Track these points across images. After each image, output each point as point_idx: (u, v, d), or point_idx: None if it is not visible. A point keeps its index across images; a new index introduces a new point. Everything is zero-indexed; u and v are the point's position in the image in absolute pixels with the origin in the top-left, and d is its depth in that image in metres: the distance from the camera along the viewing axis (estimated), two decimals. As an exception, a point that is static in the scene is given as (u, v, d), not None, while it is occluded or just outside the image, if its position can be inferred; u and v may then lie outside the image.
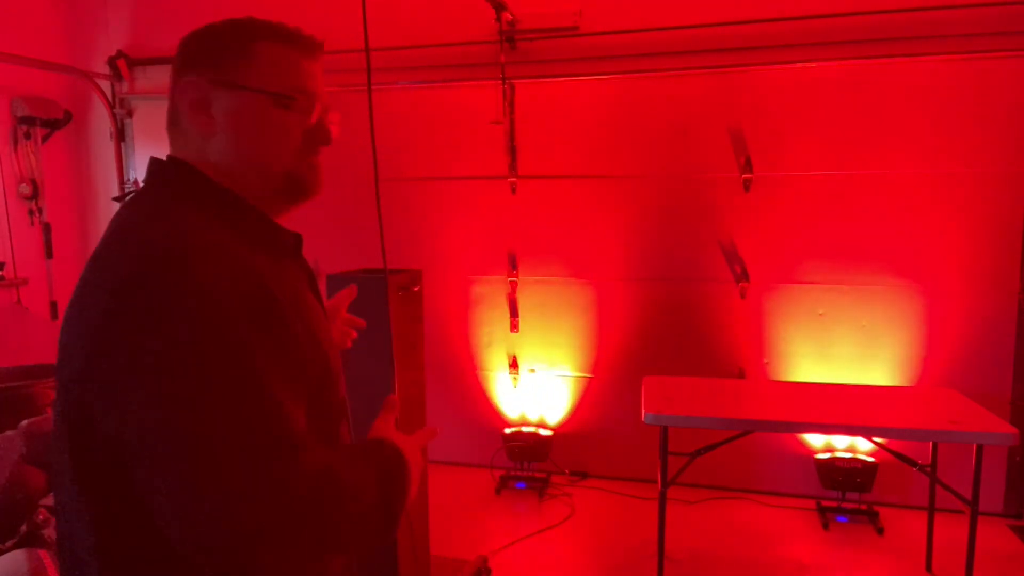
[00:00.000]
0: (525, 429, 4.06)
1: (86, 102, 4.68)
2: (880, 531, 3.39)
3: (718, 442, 2.85)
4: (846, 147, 3.60)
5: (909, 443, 3.09)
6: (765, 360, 3.81)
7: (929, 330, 3.59)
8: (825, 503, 3.60)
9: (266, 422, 0.77)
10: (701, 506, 3.68)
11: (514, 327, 4.13)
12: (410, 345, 2.57)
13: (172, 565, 0.79)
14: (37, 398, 3.19)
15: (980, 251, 3.50)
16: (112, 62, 4.61)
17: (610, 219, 3.95)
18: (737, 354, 3.83)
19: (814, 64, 3.57)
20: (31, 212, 4.35)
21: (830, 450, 3.65)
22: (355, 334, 1.31)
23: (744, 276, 3.78)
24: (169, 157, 0.97)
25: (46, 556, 1.98)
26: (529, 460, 3.99)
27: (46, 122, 4.30)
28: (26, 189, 4.29)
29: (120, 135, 4.70)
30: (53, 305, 4.48)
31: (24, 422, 2.51)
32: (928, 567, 3.06)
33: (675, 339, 3.91)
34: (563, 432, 4.09)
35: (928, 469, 2.98)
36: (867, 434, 2.88)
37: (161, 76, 4.57)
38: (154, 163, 0.97)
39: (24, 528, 2.30)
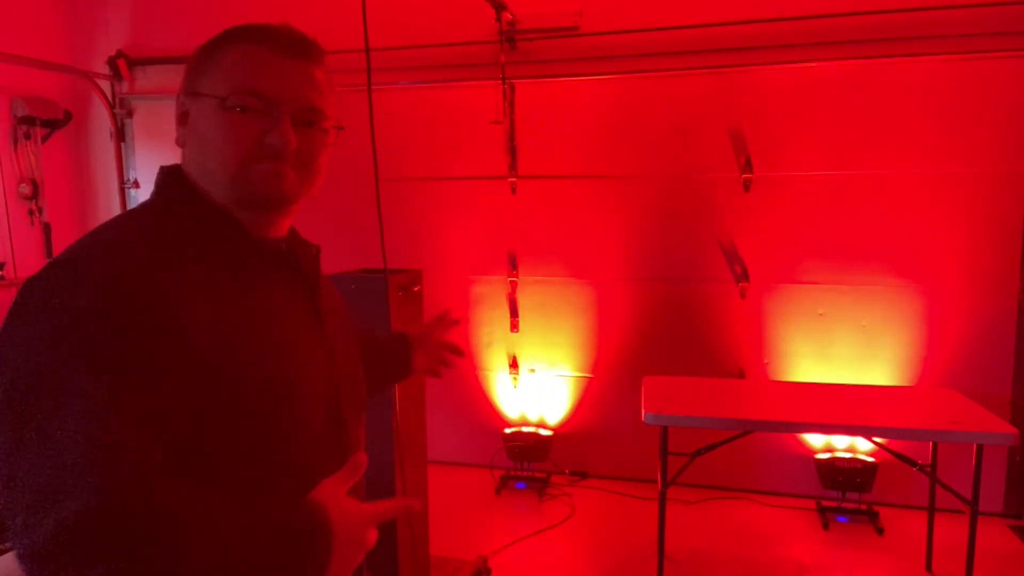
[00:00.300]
0: (525, 429, 4.06)
1: (86, 102, 4.67)
2: (880, 531, 3.39)
3: (718, 442, 2.85)
4: (846, 147, 3.60)
5: (909, 443, 3.09)
6: (765, 360, 3.81)
7: (929, 330, 3.59)
8: (825, 503, 3.60)
9: (77, 448, 0.69)
10: (701, 506, 3.68)
11: (514, 327, 4.13)
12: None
13: None
14: (37, 398, 3.18)
15: (980, 251, 3.50)
16: (112, 62, 4.61)
17: (610, 219, 3.95)
18: (737, 354, 3.83)
19: (814, 64, 3.57)
20: (31, 212, 4.35)
21: (830, 450, 3.65)
22: (451, 360, 1.30)
23: (744, 276, 3.78)
24: (171, 165, 0.97)
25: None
26: (529, 460, 3.99)
27: (46, 122, 4.30)
28: (26, 189, 4.29)
29: (120, 135, 4.70)
30: (53, 305, 4.47)
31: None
32: (928, 567, 3.06)
33: (675, 339, 3.91)
34: (563, 432, 4.09)
35: (928, 469, 2.98)
36: (867, 434, 2.88)
37: (161, 76, 4.57)
38: (159, 170, 0.98)
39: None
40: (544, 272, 4.08)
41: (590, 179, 3.96)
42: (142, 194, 4.73)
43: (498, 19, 3.73)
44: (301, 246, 1.05)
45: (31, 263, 4.34)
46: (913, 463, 2.91)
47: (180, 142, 0.94)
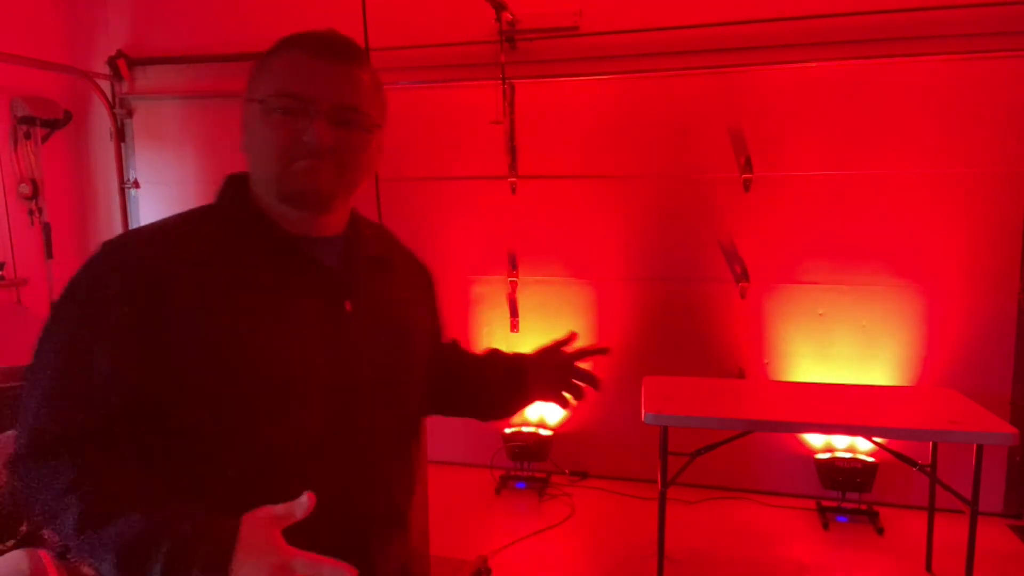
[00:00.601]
0: (525, 429, 4.06)
1: (86, 102, 4.67)
2: (880, 531, 3.39)
3: (718, 442, 2.85)
4: (846, 147, 3.60)
5: (909, 443, 3.09)
6: (765, 360, 3.80)
7: (929, 330, 3.59)
8: (825, 503, 3.60)
9: (71, 388, 0.87)
10: (701, 506, 3.68)
11: (514, 327, 4.12)
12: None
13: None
14: (37, 398, 3.18)
15: (980, 251, 3.50)
16: (112, 62, 4.60)
17: (610, 219, 3.95)
18: (737, 354, 3.83)
19: (814, 64, 3.57)
20: (31, 212, 4.35)
21: (830, 450, 3.65)
22: (586, 391, 1.19)
23: (744, 276, 3.78)
24: (240, 172, 1.05)
25: (46, 556, 1.98)
26: (529, 460, 3.99)
27: (46, 122, 4.30)
28: (26, 189, 4.29)
29: (120, 135, 4.69)
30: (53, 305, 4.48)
31: (24, 422, 2.51)
32: (928, 567, 3.06)
33: (675, 339, 3.91)
34: (563, 432, 4.09)
35: (928, 469, 2.98)
36: (867, 434, 2.88)
37: (161, 76, 4.57)
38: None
39: (24, 528, 2.30)
40: (544, 272, 4.07)
41: (590, 179, 3.96)
42: (142, 194, 4.74)
43: (498, 19, 3.73)
44: (349, 244, 1.05)
45: (31, 263, 4.34)
46: (913, 463, 2.91)
47: (242, 147, 1.01)
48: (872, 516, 3.49)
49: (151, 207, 4.73)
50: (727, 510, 3.66)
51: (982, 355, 3.53)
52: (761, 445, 3.71)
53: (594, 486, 3.94)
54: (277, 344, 0.93)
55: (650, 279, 3.93)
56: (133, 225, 4.77)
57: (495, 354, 1.30)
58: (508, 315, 4.12)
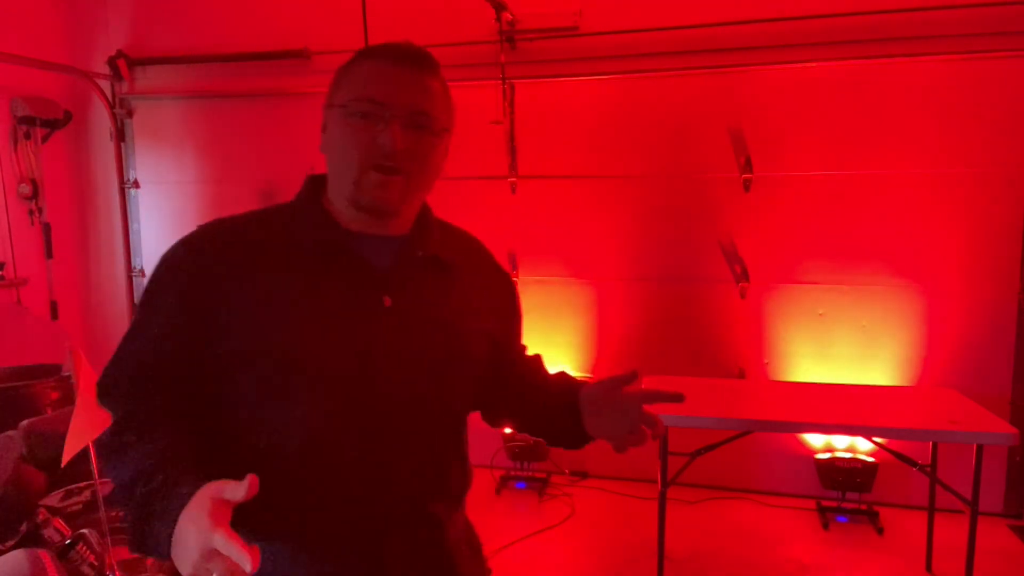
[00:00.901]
0: (525, 429, 4.06)
1: (86, 102, 4.67)
2: (880, 531, 3.39)
3: (718, 442, 2.85)
4: (846, 147, 3.60)
5: (909, 443, 3.09)
6: (765, 360, 3.81)
7: (929, 330, 3.59)
8: (825, 503, 3.60)
9: (131, 346, 1.02)
10: (701, 506, 3.68)
11: (514, 327, 4.12)
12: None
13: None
14: (37, 398, 3.19)
15: (980, 251, 3.50)
16: (112, 62, 4.60)
17: (610, 219, 3.95)
18: (737, 354, 3.83)
19: (814, 64, 3.57)
20: (31, 212, 4.36)
21: (830, 450, 3.65)
22: (647, 435, 1.02)
23: (744, 276, 3.78)
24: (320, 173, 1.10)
25: (46, 556, 1.98)
26: (529, 460, 3.99)
27: (46, 122, 4.30)
28: (26, 189, 4.29)
29: (120, 135, 4.70)
30: (53, 305, 4.48)
31: (24, 422, 2.52)
32: (928, 567, 3.06)
33: (675, 339, 3.91)
34: (563, 432, 4.09)
35: (928, 469, 2.98)
36: (867, 434, 2.88)
37: (161, 76, 4.57)
38: None
39: (24, 528, 2.31)
40: (544, 272, 4.08)
41: (590, 179, 3.96)
42: (142, 194, 4.74)
43: (498, 19, 3.74)
44: (405, 244, 1.08)
45: (31, 263, 4.34)
46: (913, 463, 2.91)
47: (320, 148, 1.06)
48: (872, 516, 3.49)
49: (151, 207, 4.73)
50: (727, 510, 3.66)
51: (982, 355, 3.53)
52: (761, 445, 3.71)
53: (594, 486, 3.94)
54: (304, 330, 0.98)
55: (650, 279, 3.93)
56: (133, 225, 4.78)
57: (561, 380, 1.21)
58: (508, 315, 4.11)
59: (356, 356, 1.00)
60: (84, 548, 2.19)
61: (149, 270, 5.38)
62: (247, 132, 4.42)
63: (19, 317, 4.17)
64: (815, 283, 3.71)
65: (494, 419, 1.27)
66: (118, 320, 4.76)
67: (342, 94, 1.02)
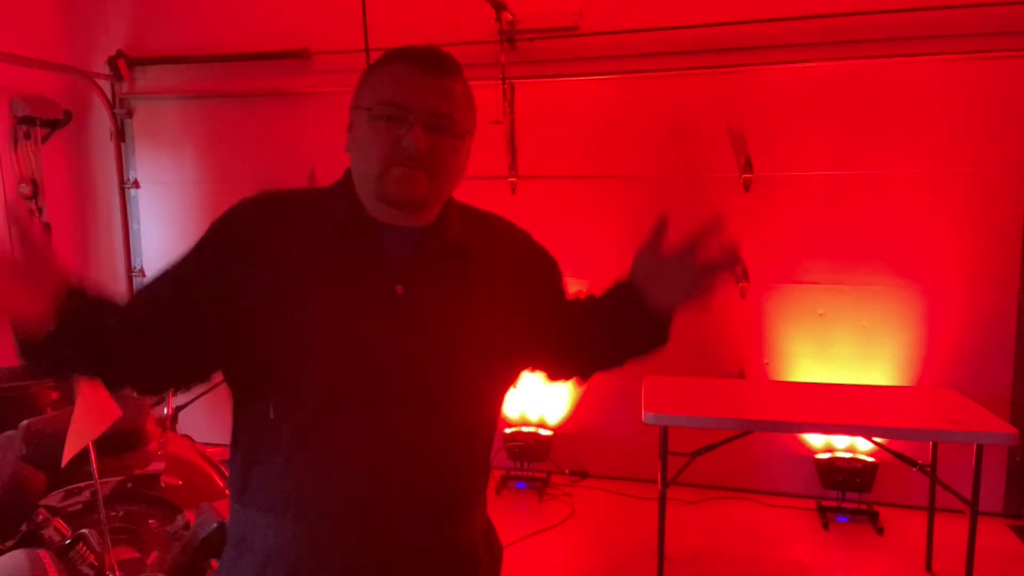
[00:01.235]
0: (525, 429, 4.06)
1: (86, 102, 4.67)
2: (880, 531, 3.39)
3: (718, 442, 2.85)
4: (846, 147, 3.60)
5: (909, 443, 3.09)
6: (765, 360, 3.80)
7: (929, 330, 3.59)
8: (825, 503, 3.60)
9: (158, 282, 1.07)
10: (701, 506, 3.68)
11: (514, 327, 4.12)
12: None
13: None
14: (37, 398, 3.18)
15: (980, 251, 3.50)
16: (112, 62, 4.60)
17: (610, 219, 3.95)
18: (737, 354, 3.83)
19: (814, 64, 3.57)
20: (31, 212, 4.35)
21: (830, 450, 3.65)
22: (717, 280, 1.15)
23: (744, 276, 3.78)
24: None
25: (46, 556, 1.98)
26: (529, 460, 3.99)
27: (46, 122, 4.29)
28: (26, 189, 4.29)
29: (120, 135, 4.70)
30: (53, 305, 4.47)
31: (24, 422, 2.51)
32: (928, 567, 3.06)
33: (675, 339, 3.87)
34: (563, 432, 4.09)
35: (928, 469, 2.98)
36: (867, 434, 2.89)
37: (161, 76, 4.57)
38: None
39: (24, 528, 2.30)
40: (544, 272, 4.07)
41: (590, 179, 3.96)
42: (142, 194, 4.74)
43: (498, 19, 3.74)
44: (426, 234, 1.10)
45: (31, 263, 4.33)
46: (913, 463, 2.91)
47: (346, 148, 1.10)
48: (872, 516, 3.49)
49: (151, 207, 4.73)
50: (727, 510, 3.66)
51: (982, 355, 3.53)
52: (761, 445, 3.71)
53: (594, 486, 3.94)
54: (313, 308, 1.02)
55: (650, 279, 3.93)
56: (133, 225, 4.78)
57: (607, 288, 1.32)
58: (508, 315, 4.11)
59: (361, 340, 1.02)
60: (84, 548, 2.19)
61: (149, 270, 5.39)
62: (247, 132, 4.42)
63: (19, 317, 4.16)
64: (815, 283, 3.71)
65: (582, 371, 1.34)
66: (118, 320, 4.75)
67: (367, 97, 1.06)
